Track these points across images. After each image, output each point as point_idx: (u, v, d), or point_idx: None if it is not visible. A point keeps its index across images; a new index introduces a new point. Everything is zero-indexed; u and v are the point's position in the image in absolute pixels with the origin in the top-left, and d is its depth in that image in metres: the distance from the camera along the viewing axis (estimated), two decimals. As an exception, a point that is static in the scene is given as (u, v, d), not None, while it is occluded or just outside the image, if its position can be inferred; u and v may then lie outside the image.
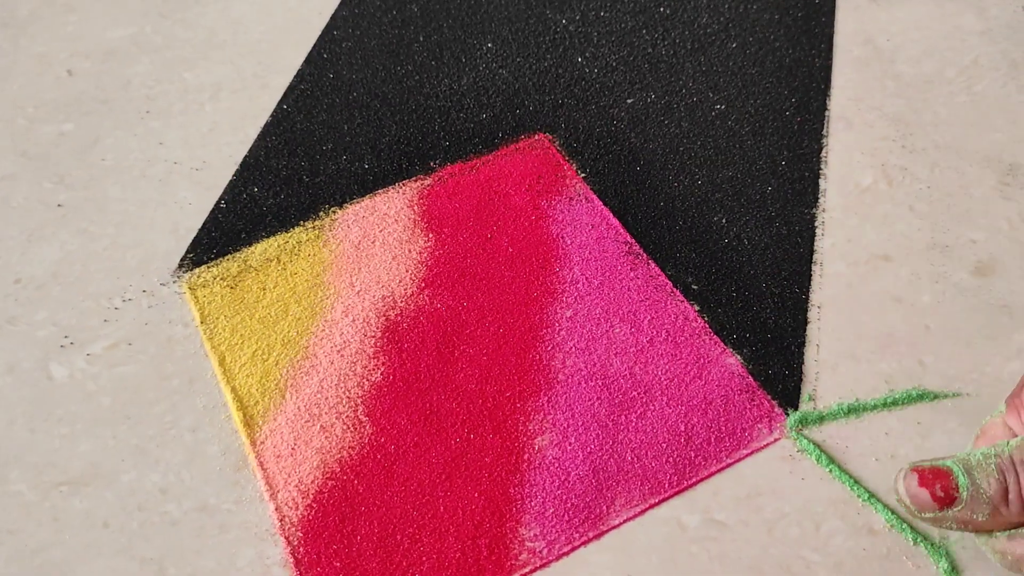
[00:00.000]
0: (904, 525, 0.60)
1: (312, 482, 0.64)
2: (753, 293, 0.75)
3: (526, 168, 0.85)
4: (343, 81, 0.95)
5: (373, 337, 0.72)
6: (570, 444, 0.66)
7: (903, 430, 0.66)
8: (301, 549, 0.61)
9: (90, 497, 0.64)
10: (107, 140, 0.90)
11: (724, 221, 0.80)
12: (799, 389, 0.69)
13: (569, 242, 0.79)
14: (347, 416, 0.68)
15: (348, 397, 0.69)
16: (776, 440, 0.66)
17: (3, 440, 0.67)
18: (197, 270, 0.78)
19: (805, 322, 0.73)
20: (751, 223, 0.80)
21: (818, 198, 0.82)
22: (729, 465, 0.64)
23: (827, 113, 0.90)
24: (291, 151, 0.88)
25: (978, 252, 0.77)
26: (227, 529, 0.62)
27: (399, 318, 0.74)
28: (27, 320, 0.75)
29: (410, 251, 0.79)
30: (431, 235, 0.80)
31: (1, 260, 0.79)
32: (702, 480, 0.64)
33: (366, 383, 0.70)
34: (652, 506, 0.62)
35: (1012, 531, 0.52)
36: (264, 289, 0.76)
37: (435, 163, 0.87)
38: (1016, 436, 0.55)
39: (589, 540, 0.61)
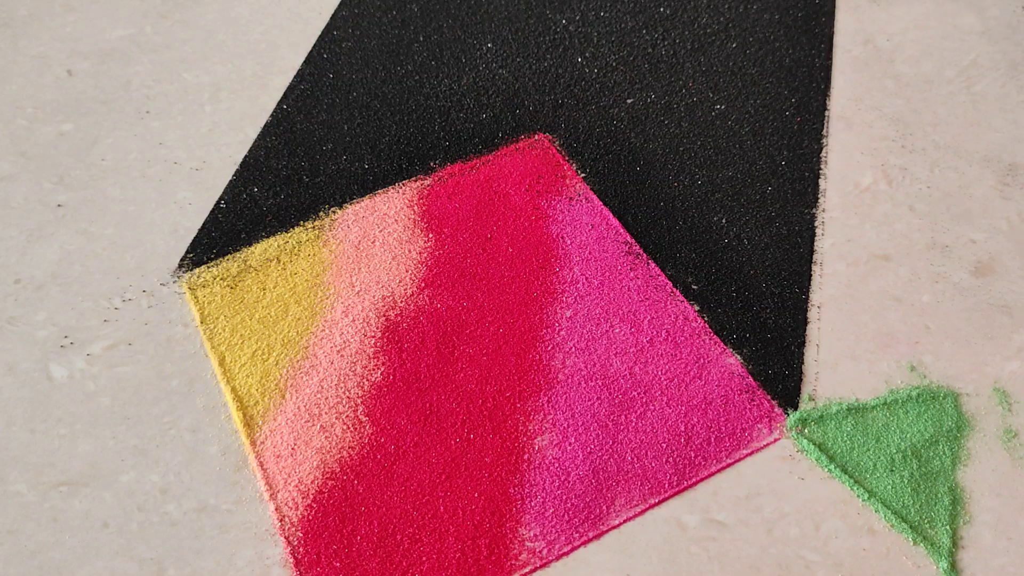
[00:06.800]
0: (904, 525, 0.60)
1: (312, 482, 0.64)
2: (753, 293, 0.75)
3: (526, 168, 0.85)
4: (343, 81, 0.95)
5: (373, 337, 0.72)
6: (570, 444, 0.66)
7: (903, 430, 0.66)
8: (301, 549, 0.61)
9: (90, 498, 0.64)
10: (107, 140, 0.90)
11: (724, 221, 0.81)
12: (799, 389, 0.69)
13: (569, 242, 0.79)
14: (347, 416, 0.68)
15: (348, 397, 0.69)
16: (776, 440, 0.66)
17: (3, 440, 0.67)
18: (197, 270, 0.78)
19: (805, 322, 0.73)
20: (751, 223, 0.80)
21: (818, 198, 0.82)
22: (729, 465, 0.64)
23: (827, 113, 0.90)
24: (291, 151, 0.88)
25: (978, 252, 0.77)
26: (227, 529, 0.62)
27: (399, 318, 0.74)
28: (27, 320, 0.75)
29: (410, 251, 0.79)
30: (431, 235, 0.80)
31: (1, 260, 0.79)
32: (702, 480, 0.64)
33: (366, 383, 0.70)
34: (652, 506, 0.62)
35: None
36: (264, 289, 0.76)
37: (435, 163, 0.87)
38: None
39: (589, 540, 0.61)
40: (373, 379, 0.70)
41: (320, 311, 0.74)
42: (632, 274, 0.76)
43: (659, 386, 0.69)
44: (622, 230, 0.80)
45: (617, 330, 0.72)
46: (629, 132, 0.89)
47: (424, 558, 0.60)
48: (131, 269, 0.79)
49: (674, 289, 0.75)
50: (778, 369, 0.70)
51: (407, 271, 0.77)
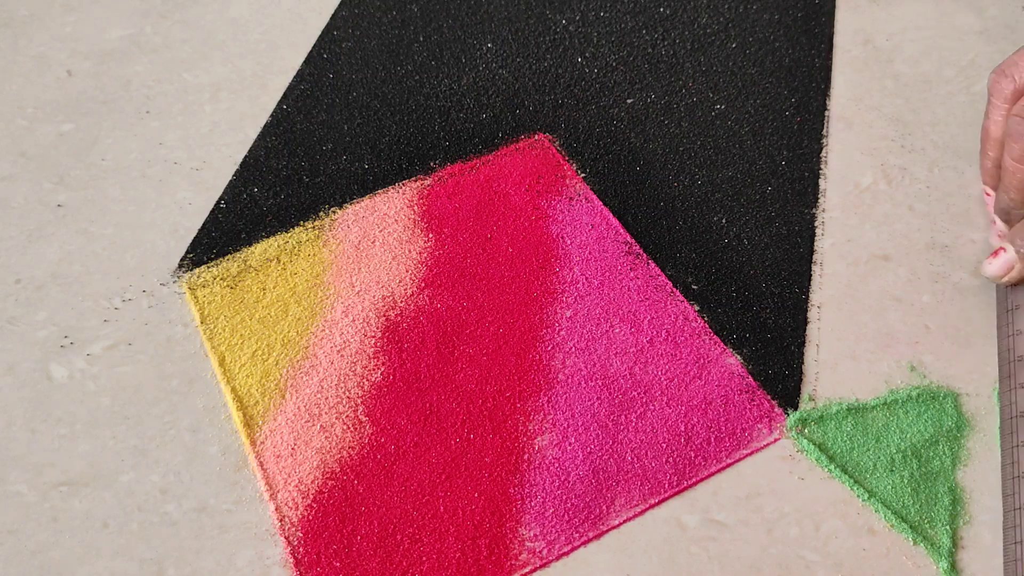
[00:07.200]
0: (904, 525, 0.60)
1: (312, 482, 0.64)
2: (753, 293, 0.75)
3: (526, 168, 0.85)
4: (343, 81, 0.95)
5: (373, 337, 0.72)
6: (570, 444, 0.66)
7: (903, 430, 0.66)
8: (301, 549, 0.61)
9: (90, 498, 0.64)
10: (107, 140, 0.90)
11: (724, 221, 0.81)
12: (799, 389, 0.69)
13: (569, 242, 0.79)
14: (347, 416, 0.68)
15: (348, 397, 0.69)
16: (776, 440, 0.66)
17: (3, 440, 0.67)
18: (197, 270, 0.78)
19: (805, 322, 0.73)
20: (751, 223, 0.80)
21: (818, 198, 0.83)
22: (729, 465, 0.64)
23: (827, 113, 0.90)
24: (291, 151, 0.88)
25: (977, 252, 0.77)
26: (227, 529, 0.62)
27: (399, 318, 0.74)
28: (27, 320, 0.75)
29: (410, 251, 0.79)
30: (431, 235, 0.80)
31: (1, 260, 0.79)
32: (702, 480, 0.64)
33: (366, 383, 0.70)
34: (652, 506, 0.62)
35: None
36: (264, 289, 0.76)
37: (435, 163, 0.87)
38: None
39: (589, 540, 0.61)
40: (373, 379, 0.70)
41: (320, 311, 0.74)
42: (632, 274, 0.76)
43: (659, 386, 0.69)
44: (622, 230, 0.80)
45: (617, 330, 0.72)
46: (629, 132, 0.89)
47: (424, 558, 0.60)
48: (131, 269, 0.79)
49: (674, 289, 0.75)
50: (778, 369, 0.70)
51: (407, 271, 0.77)
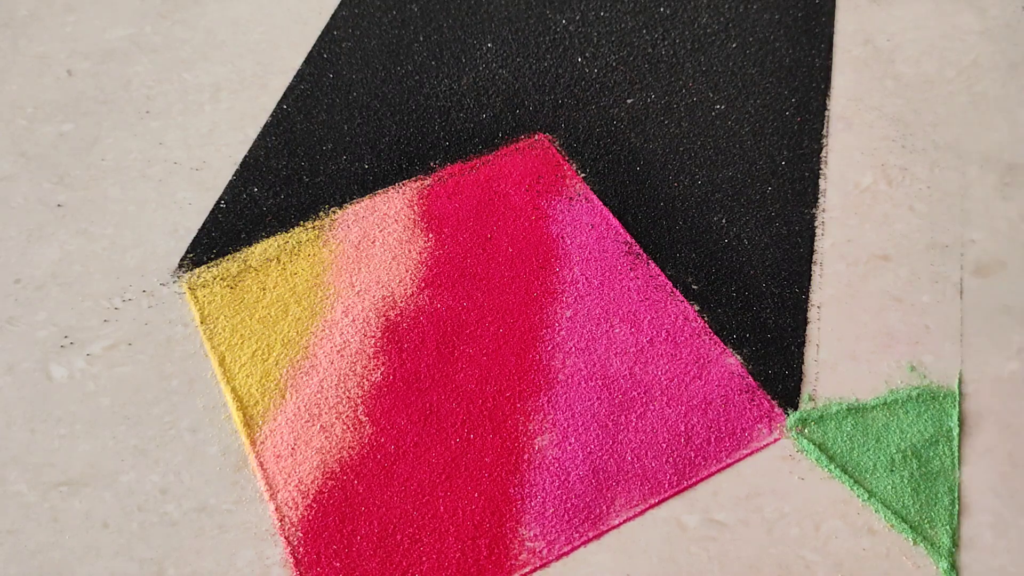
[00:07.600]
0: (904, 525, 0.60)
1: (312, 482, 0.64)
2: (753, 293, 0.75)
3: (526, 168, 0.85)
4: (343, 81, 0.95)
5: (373, 337, 0.72)
6: (570, 444, 0.66)
7: (903, 430, 0.66)
8: (301, 549, 0.61)
9: (90, 498, 0.64)
10: (107, 140, 0.90)
11: (724, 221, 0.81)
12: (799, 389, 0.69)
13: (569, 242, 0.79)
14: (347, 416, 0.68)
15: (348, 397, 0.69)
16: (776, 440, 0.66)
17: (3, 440, 0.67)
18: (197, 270, 0.78)
19: (805, 322, 0.73)
20: (751, 223, 0.80)
21: (818, 198, 0.83)
22: (729, 465, 0.64)
23: (827, 113, 0.90)
24: (291, 151, 0.88)
25: (978, 252, 0.77)
26: (227, 529, 0.62)
27: (399, 318, 0.74)
28: (27, 320, 0.75)
29: (410, 251, 0.79)
30: (431, 235, 0.80)
31: (1, 260, 0.79)
32: (702, 480, 0.64)
33: (366, 383, 0.70)
34: (652, 506, 0.62)
35: None
36: (264, 289, 0.76)
37: (435, 163, 0.87)
38: None
39: (589, 540, 0.61)
40: (373, 379, 0.70)
41: (320, 311, 0.74)
42: (632, 274, 0.76)
43: (659, 386, 0.69)
44: (622, 230, 0.80)
45: (617, 330, 0.72)
46: (629, 132, 0.89)
47: (424, 558, 0.60)
48: (131, 269, 0.79)
49: (674, 289, 0.75)
50: (778, 369, 0.70)
51: (407, 271, 0.77)
